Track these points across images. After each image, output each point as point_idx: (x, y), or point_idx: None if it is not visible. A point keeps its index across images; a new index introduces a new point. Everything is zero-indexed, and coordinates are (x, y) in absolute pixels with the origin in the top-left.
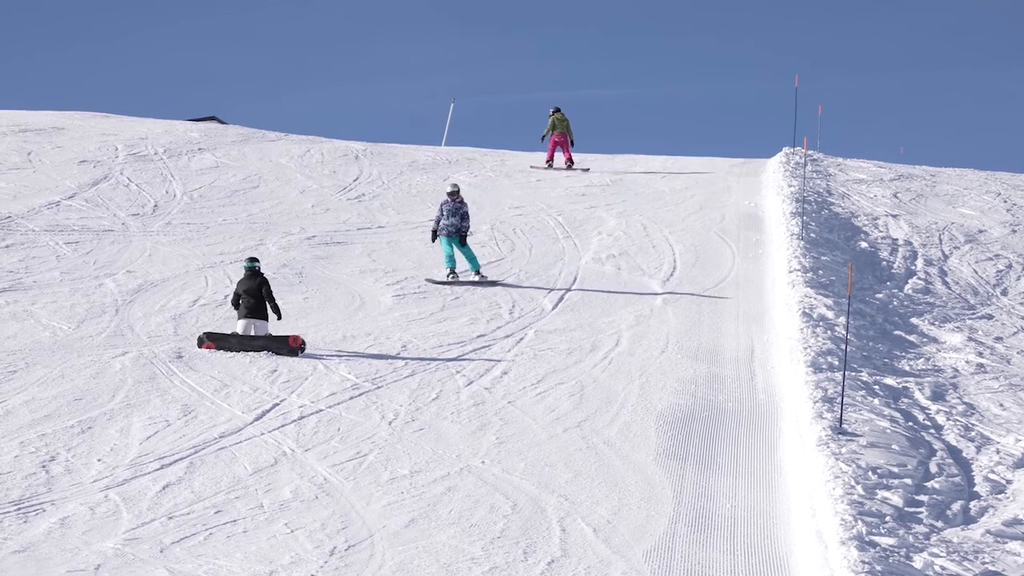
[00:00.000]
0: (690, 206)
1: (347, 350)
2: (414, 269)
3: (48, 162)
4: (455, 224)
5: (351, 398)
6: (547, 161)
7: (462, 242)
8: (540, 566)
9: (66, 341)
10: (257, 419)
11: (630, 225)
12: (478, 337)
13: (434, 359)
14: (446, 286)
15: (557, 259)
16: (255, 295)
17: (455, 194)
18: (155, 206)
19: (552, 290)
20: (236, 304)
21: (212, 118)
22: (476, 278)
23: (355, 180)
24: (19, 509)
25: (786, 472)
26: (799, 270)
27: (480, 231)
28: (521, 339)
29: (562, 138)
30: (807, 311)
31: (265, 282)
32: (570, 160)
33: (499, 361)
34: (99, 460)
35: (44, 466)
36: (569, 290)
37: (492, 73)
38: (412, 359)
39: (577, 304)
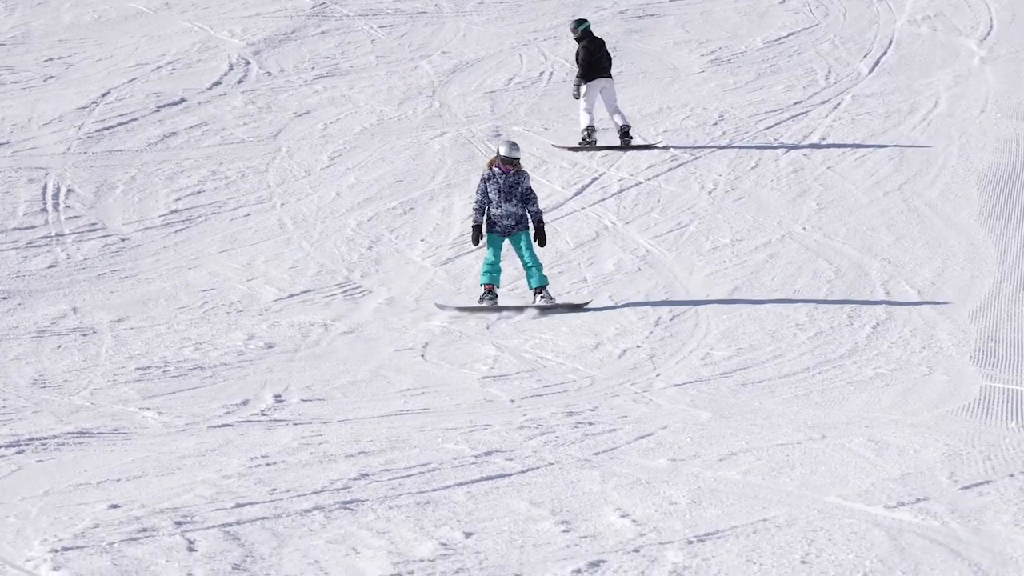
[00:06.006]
0: None
1: (664, 122)
2: (728, 39)
3: None
4: (515, 213)
5: (670, 170)
6: None
7: (533, 239)
8: (866, 330)
9: (385, 124)
10: (577, 193)
11: None
12: (795, 104)
13: (751, 128)
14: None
15: (872, 22)
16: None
17: (511, 161)
18: None
19: (868, 54)
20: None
21: None
22: (539, 301)
23: None
24: (345, 291)
25: None
26: None
27: None
28: (838, 104)
29: None
30: None
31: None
32: None
33: (817, 127)
34: (422, 240)
35: (370, 247)
36: (885, 53)
37: None
38: (729, 128)
39: (894, 67)
